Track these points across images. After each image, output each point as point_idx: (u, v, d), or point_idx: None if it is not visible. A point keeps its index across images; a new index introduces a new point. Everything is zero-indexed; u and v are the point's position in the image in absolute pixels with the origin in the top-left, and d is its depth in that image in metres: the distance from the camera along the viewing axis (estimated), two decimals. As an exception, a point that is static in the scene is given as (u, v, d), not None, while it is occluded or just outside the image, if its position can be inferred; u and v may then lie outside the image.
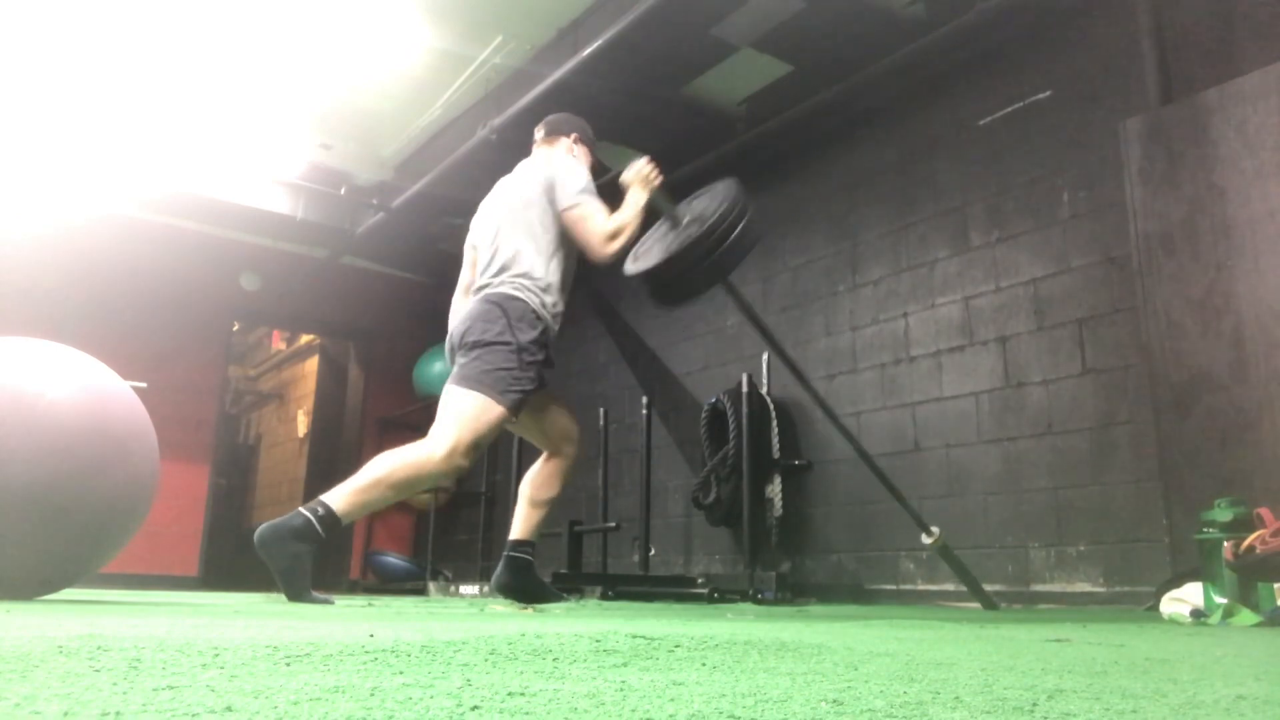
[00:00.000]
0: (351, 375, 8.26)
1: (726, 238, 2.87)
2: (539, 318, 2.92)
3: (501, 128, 5.11)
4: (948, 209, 4.48)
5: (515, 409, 2.85)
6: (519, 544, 3.08)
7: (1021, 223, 4.15)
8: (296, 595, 2.63)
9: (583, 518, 5.29)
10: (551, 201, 3.03)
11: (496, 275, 2.98)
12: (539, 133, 3.35)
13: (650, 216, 3.09)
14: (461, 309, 3.08)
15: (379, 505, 2.85)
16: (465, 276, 3.23)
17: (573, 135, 3.30)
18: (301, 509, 2.66)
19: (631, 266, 3.06)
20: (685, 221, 3.01)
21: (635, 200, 3.02)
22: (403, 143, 6.23)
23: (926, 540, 3.42)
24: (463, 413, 2.80)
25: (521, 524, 3.10)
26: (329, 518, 2.64)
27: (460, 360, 2.91)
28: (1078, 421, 3.80)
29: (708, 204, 3.01)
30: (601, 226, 2.96)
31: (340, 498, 2.69)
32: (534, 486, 3.12)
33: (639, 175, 3.07)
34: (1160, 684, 0.90)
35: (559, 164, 3.12)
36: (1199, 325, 3.26)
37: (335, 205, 6.99)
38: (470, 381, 2.83)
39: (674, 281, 2.96)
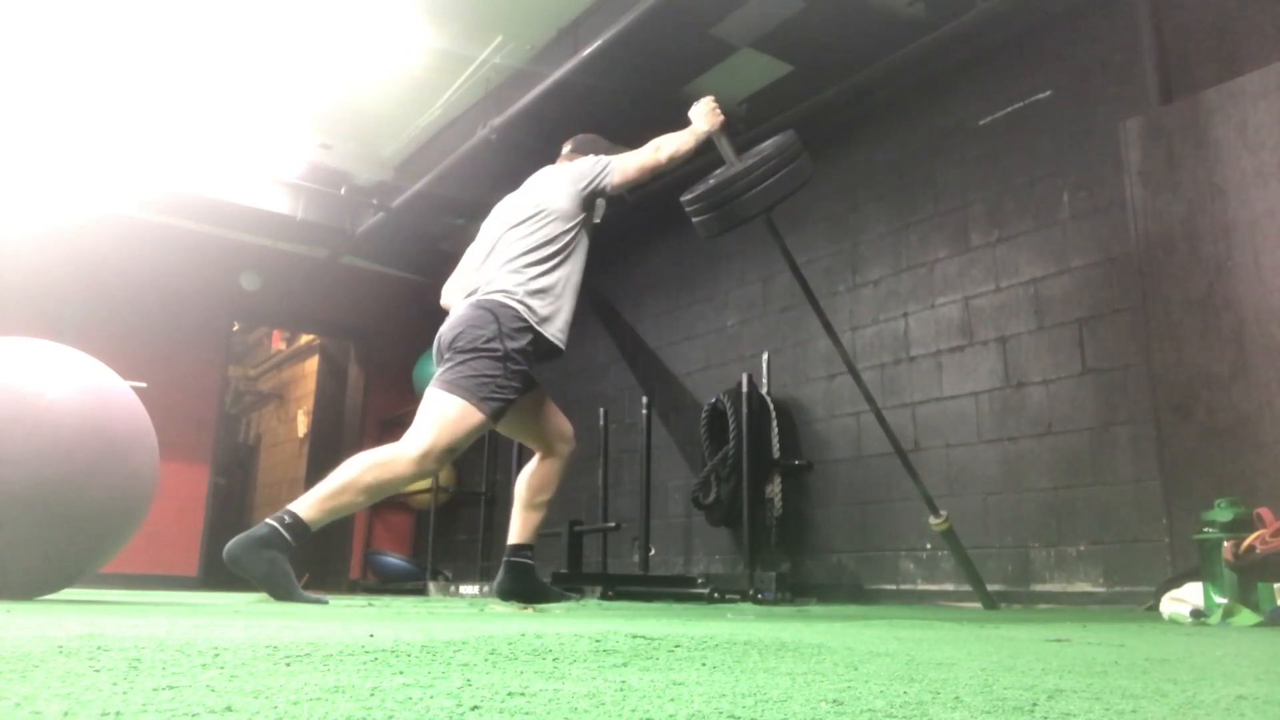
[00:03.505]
0: (351, 375, 8.26)
1: (777, 171, 3.01)
2: (529, 326, 2.91)
3: (501, 128, 5.11)
4: (948, 209, 4.48)
5: (495, 417, 2.85)
6: (518, 548, 3.08)
7: (1021, 223, 4.15)
8: (285, 597, 2.60)
9: (583, 518, 5.29)
10: (567, 207, 3.05)
11: (491, 281, 2.98)
12: (565, 147, 3.40)
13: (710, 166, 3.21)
14: (453, 311, 3.07)
15: (350, 510, 2.83)
16: (455, 277, 3.23)
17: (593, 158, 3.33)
18: (268, 519, 2.63)
19: (686, 195, 3.16)
20: (739, 159, 3.14)
21: (697, 127, 3.15)
22: (403, 143, 6.22)
23: (934, 521, 3.43)
24: (443, 417, 2.78)
25: (520, 527, 3.10)
26: (297, 525, 2.62)
27: (446, 363, 2.89)
28: (1078, 421, 3.80)
29: (764, 146, 3.14)
30: (647, 149, 3.10)
31: (308, 505, 2.66)
32: (530, 489, 3.12)
33: (707, 107, 3.18)
34: (1160, 684, 0.90)
35: (574, 166, 3.16)
36: (1199, 325, 3.25)
37: (335, 205, 6.99)
38: (453, 386, 2.82)
39: (724, 204, 3.05)
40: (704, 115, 3.17)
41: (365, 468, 2.74)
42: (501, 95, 5.33)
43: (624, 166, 3.10)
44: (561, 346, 3.01)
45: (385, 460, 2.76)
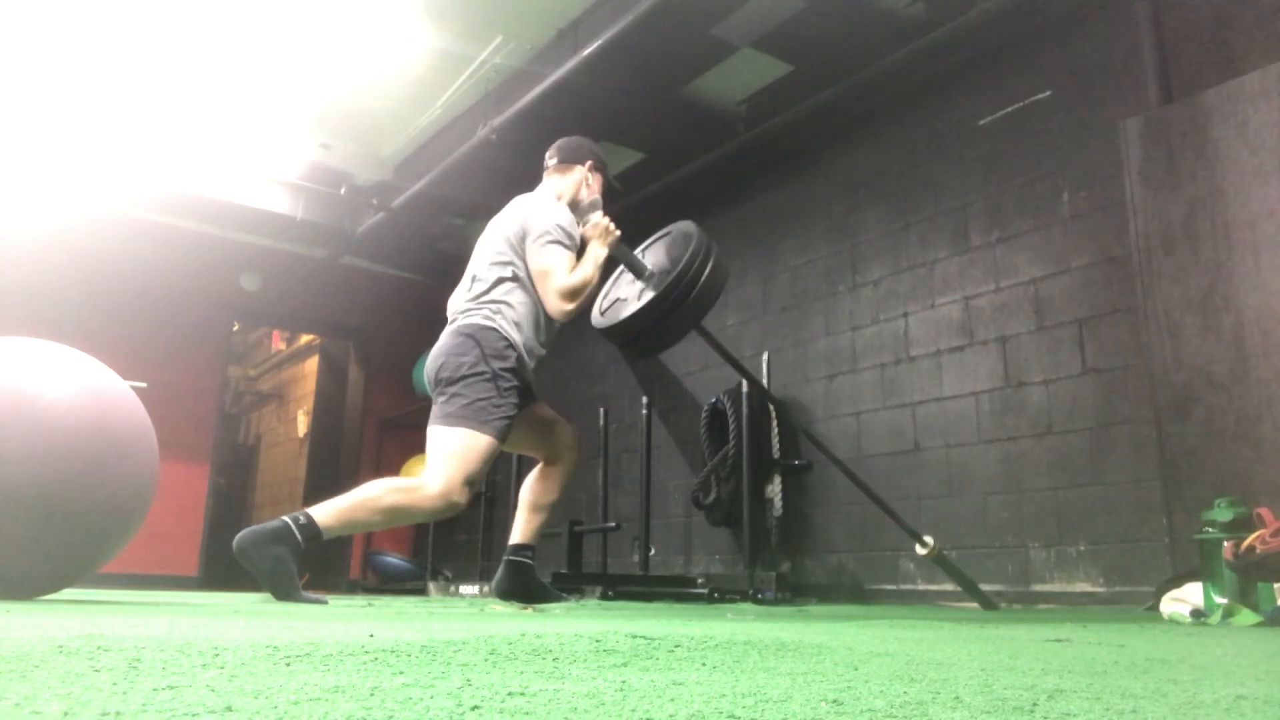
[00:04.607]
0: (351, 375, 8.26)
1: (696, 283, 2.87)
2: (512, 346, 2.89)
3: (501, 128, 5.11)
4: (948, 209, 4.48)
5: (501, 437, 2.84)
6: (519, 548, 3.08)
7: (1021, 223, 4.15)
8: (285, 595, 2.62)
9: (583, 518, 5.28)
10: (520, 245, 3.01)
11: (470, 305, 2.97)
12: (551, 159, 3.26)
13: (610, 265, 3.08)
14: (437, 343, 3.05)
15: (364, 528, 2.86)
16: (454, 296, 3.22)
17: (588, 163, 3.23)
18: (284, 516, 2.67)
19: (600, 320, 3.04)
20: (648, 273, 3.00)
21: (595, 255, 2.99)
22: (403, 143, 6.22)
23: (921, 551, 3.40)
24: (451, 451, 2.78)
25: (522, 528, 3.10)
26: (310, 528, 2.64)
27: (439, 399, 2.89)
28: (1078, 421, 3.80)
29: (670, 251, 3.00)
30: (559, 283, 2.90)
31: (326, 512, 2.69)
32: (534, 492, 3.12)
33: (599, 229, 3.03)
34: (1160, 684, 0.90)
35: (541, 209, 3.06)
36: (1199, 325, 3.26)
37: (335, 205, 6.99)
38: (452, 419, 2.81)
39: (647, 332, 2.94)
40: (600, 235, 3.01)
41: (387, 490, 2.76)
42: (501, 95, 5.33)
43: (552, 278, 2.90)
44: (529, 384, 2.97)
45: (409, 487, 2.78)
